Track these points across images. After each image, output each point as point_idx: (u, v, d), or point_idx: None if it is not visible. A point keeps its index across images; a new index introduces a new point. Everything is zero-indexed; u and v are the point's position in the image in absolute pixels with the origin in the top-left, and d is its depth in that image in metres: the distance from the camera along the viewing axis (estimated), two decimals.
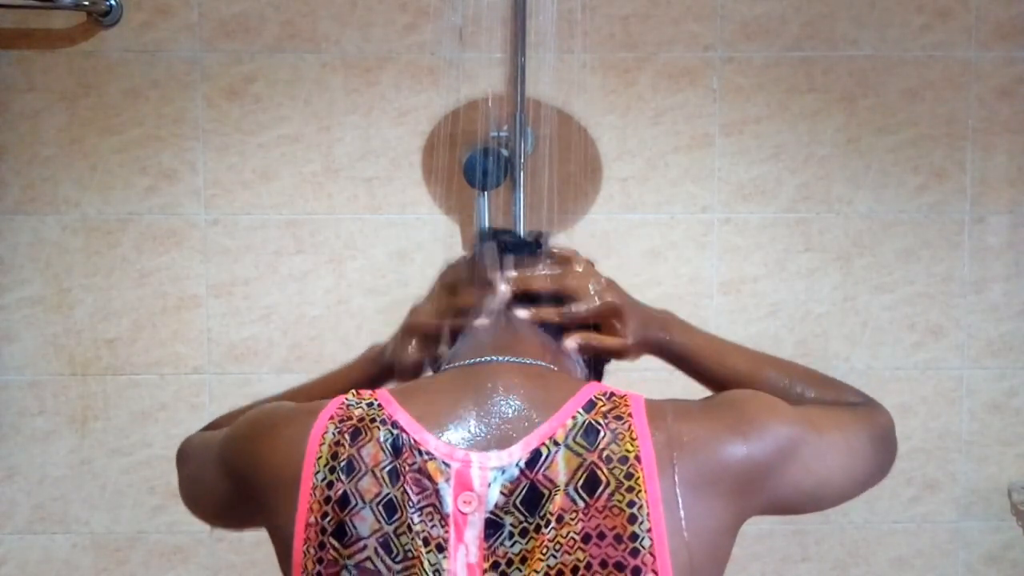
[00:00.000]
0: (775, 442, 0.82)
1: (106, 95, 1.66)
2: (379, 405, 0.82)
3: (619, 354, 0.98)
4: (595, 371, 1.00)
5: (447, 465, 0.78)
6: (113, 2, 1.64)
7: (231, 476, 0.89)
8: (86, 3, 1.62)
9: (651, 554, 0.74)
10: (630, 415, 0.79)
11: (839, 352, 1.74)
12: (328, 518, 0.77)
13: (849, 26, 1.71)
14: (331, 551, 0.77)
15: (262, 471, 0.84)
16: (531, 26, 1.62)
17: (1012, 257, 1.75)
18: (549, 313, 0.95)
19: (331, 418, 0.82)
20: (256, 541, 1.70)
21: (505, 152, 1.62)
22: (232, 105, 1.67)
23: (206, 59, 1.67)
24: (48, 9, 1.63)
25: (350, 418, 0.81)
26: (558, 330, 0.95)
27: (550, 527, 0.75)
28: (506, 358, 0.87)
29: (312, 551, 0.78)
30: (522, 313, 0.94)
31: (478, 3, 1.64)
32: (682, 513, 0.76)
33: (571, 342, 0.94)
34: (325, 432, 0.81)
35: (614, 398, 0.82)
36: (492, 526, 0.76)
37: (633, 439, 0.77)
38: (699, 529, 0.76)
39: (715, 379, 1.00)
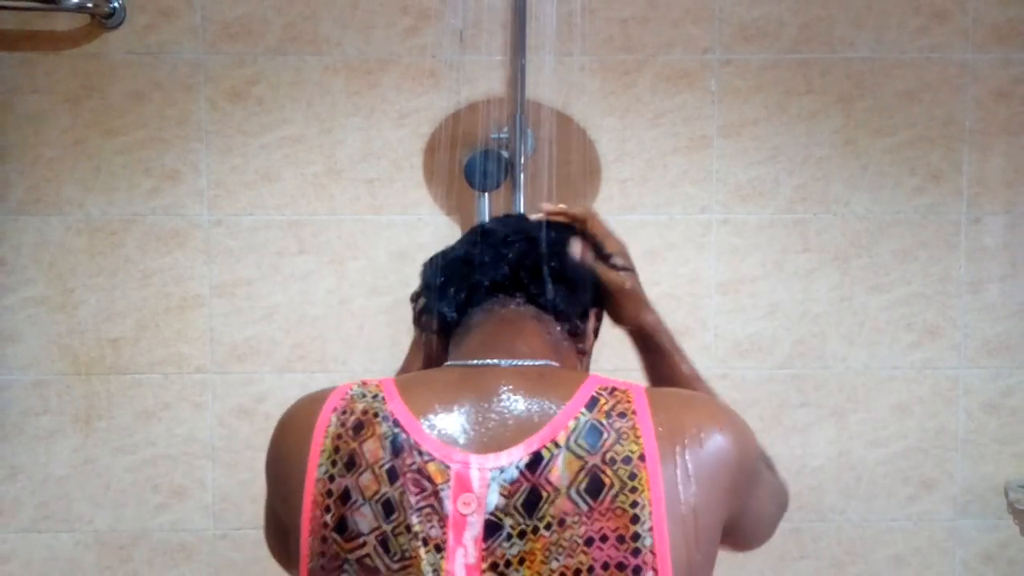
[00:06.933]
0: (758, 458, 0.88)
1: (110, 97, 1.67)
2: (383, 398, 0.83)
3: (617, 293, 1.03)
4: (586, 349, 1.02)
5: (446, 466, 0.78)
6: (116, 4, 1.65)
7: (269, 482, 0.90)
8: (90, 5, 1.63)
9: (652, 552, 0.75)
10: (634, 412, 0.80)
11: (836, 352, 1.75)
12: (331, 512, 0.79)
13: (846, 28, 1.72)
14: (333, 545, 0.78)
15: (276, 465, 0.86)
16: (531, 29, 1.63)
17: (1008, 257, 1.76)
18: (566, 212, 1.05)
19: (334, 410, 0.83)
20: (258, 540, 1.71)
21: (505, 154, 1.63)
22: (235, 107, 1.68)
23: (209, 61, 1.68)
24: (52, 11, 1.64)
25: (353, 411, 0.82)
26: (562, 319, 0.96)
27: (551, 530, 0.75)
28: (508, 361, 0.88)
29: (316, 544, 0.79)
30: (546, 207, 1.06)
31: (478, 6, 1.65)
32: (682, 507, 0.77)
33: (575, 246, 1.01)
34: (329, 425, 0.82)
35: (616, 393, 0.82)
36: (491, 527, 0.77)
37: (638, 437, 0.78)
38: (698, 523, 0.77)
39: (668, 380, 1.05)
